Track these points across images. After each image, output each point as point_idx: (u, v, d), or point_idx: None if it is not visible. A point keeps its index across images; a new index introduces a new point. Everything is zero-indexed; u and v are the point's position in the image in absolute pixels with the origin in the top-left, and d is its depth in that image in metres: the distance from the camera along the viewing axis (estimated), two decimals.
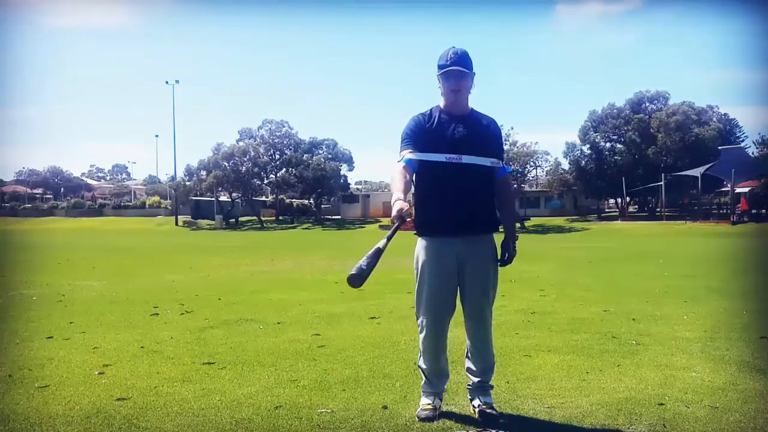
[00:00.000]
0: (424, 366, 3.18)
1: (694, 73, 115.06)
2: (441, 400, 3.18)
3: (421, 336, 3.15)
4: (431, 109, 3.15)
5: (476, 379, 3.13)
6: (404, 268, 11.83)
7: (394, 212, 2.78)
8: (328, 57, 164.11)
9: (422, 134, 3.06)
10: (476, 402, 3.08)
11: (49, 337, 5.08)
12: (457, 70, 3.02)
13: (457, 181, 3.01)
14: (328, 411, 3.14)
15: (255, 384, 3.65)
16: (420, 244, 3.17)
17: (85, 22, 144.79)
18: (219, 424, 2.99)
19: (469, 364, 3.18)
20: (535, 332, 5.14)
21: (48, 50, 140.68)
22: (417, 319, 3.18)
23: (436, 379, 3.17)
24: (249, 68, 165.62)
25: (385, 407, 3.20)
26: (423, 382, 3.21)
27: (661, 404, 3.21)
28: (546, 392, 3.44)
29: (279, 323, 5.71)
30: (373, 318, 5.95)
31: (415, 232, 3.16)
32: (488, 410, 3.02)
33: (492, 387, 3.18)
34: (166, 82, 55.82)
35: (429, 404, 3.10)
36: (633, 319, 5.73)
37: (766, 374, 3.78)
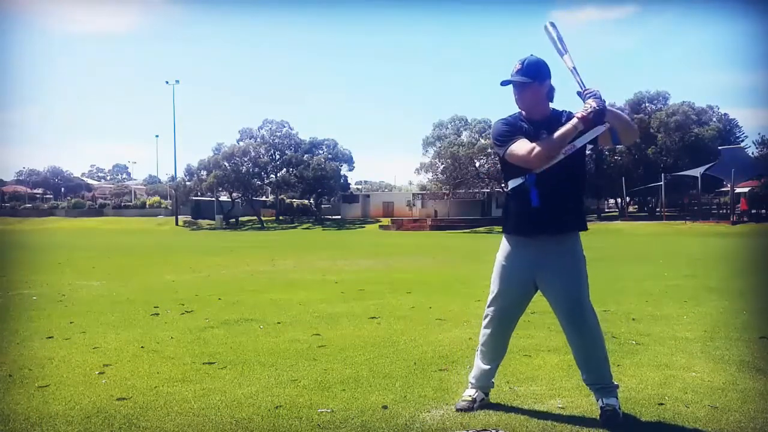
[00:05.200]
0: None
1: (694, 75, 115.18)
2: (486, 395, 3.24)
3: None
4: (513, 117, 3.12)
5: (596, 385, 3.05)
6: (404, 268, 11.84)
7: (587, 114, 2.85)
8: (328, 57, 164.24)
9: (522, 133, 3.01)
10: (600, 402, 3.02)
11: (49, 337, 5.08)
12: (515, 82, 3.04)
13: (551, 180, 2.98)
14: (328, 411, 3.15)
15: (255, 384, 3.65)
16: (501, 247, 3.19)
17: (86, 22, 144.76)
18: (219, 424, 2.99)
19: (583, 375, 3.12)
20: (535, 332, 5.14)
21: (48, 50, 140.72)
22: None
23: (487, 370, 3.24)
24: (249, 68, 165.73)
25: (385, 407, 3.20)
26: (471, 373, 3.28)
27: (661, 404, 3.21)
28: (546, 392, 3.44)
29: (279, 323, 5.71)
30: (373, 318, 5.95)
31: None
32: (609, 411, 2.96)
33: (617, 386, 3.10)
34: (166, 82, 55.89)
35: (470, 396, 3.19)
36: (633, 319, 5.73)
37: (766, 374, 3.78)
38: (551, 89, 3.09)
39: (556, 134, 2.90)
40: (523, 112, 3.11)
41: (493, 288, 3.19)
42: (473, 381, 3.26)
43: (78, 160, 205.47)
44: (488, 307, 3.22)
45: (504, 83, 3.07)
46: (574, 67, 3.04)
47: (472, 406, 3.13)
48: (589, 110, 2.85)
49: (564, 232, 3.05)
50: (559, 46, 3.11)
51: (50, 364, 4.17)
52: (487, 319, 3.22)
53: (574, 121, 2.88)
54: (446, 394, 3.43)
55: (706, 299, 7.10)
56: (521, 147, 2.95)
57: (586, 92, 2.94)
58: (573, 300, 3.05)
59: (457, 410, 3.12)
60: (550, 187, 2.97)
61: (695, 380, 3.66)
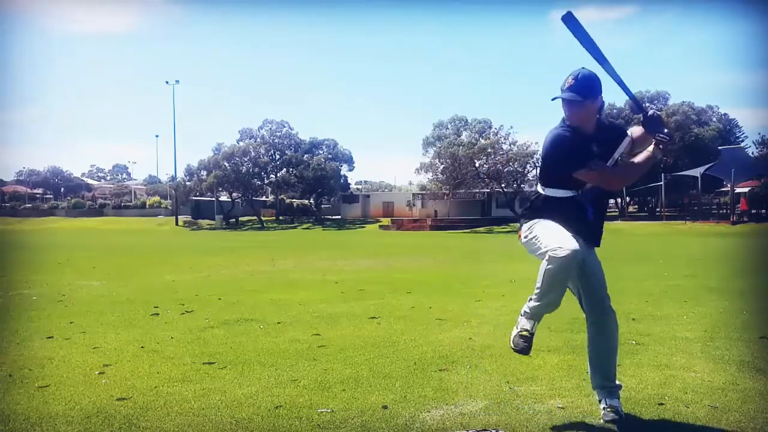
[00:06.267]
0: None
1: (694, 75, 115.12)
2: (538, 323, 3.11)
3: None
4: (570, 129, 2.99)
5: (602, 383, 3.06)
6: (404, 268, 11.84)
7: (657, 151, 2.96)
8: (328, 57, 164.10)
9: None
10: (603, 403, 3.03)
11: (50, 337, 5.09)
12: (565, 99, 2.96)
13: (600, 196, 3.06)
14: (328, 411, 3.15)
15: (255, 384, 3.65)
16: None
17: (86, 22, 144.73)
18: (219, 424, 2.99)
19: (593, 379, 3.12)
20: (535, 332, 5.14)
21: (48, 50, 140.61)
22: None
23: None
24: (249, 68, 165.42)
25: (385, 407, 3.20)
26: (532, 307, 3.04)
27: (661, 404, 3.21)
28: (546, 392, 3.45)
29: (279, 323, 5.72)
30: (373, 318, 5.95)
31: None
32: (611, 411, 2.96)
33: (620, 387, 3.10)
34: (166, 82, 55.82)
35: (527, 330, 3.04)
36: (633, 319, 5.73)
37: (766, 374, 3.78)
38: (602, 104, 3.02)
39: (636, 164, 2.98)
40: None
41: (558, 234, 2.93)
42: (531, 315, 3.06)
43: (78, 160, 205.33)
44: (558, 248, 2.86)
45: (555, 99, 2.98)
46: (622, 81, 2.97)
47: (531, 343, 3.02)
48: (667, 142, 2.93)
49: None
50: (598, 51, 2.99)
51: (50, 364, 4.17)
52: (562, 254, 2.84)
53: (653, 149, 2.95)
54: (446, 394, 3.43)
55: (706, 299, 7.10)
56: (602, 171, 2.95)
57: (650, 114, 2.98)
58: (601, 300, 3.08)
59: (517, 349, 3.00)
60: (599, 203, 3.07)
61: (695, 380, 3.66)
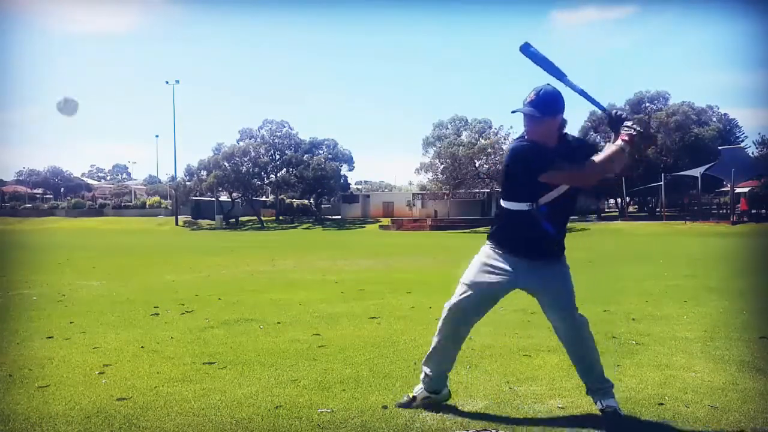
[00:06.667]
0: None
1: (694, 75, 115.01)
2: (437, 395, 3.27)
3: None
4: (531, 140, 2.98)
5: (593, 386, 3.08)
6: (404, 268, 11.84)
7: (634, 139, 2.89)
8: (328, 57, 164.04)
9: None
10: (599, 404, 3.04)
11: (50, 337, 5.09)
12: (525, 114, 2.95)
13: (558, 208, 3.02)
14: (328, 411, 3.15)
15: (255, 384, 3.65)
16: (487, 253, 3.16)
17: (86, 22, 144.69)
18: (219, 424, 2.99)
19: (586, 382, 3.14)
20: (535, 332, 5.14)
21: (48, 50, 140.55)
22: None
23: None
24: (249, 68, 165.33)
25: (385, 407, 3.20)
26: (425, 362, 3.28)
27: (661, 404, 3.21)
28: (546, 392, 3.45)
29: (279, 323, 5.72)
30: (373, 318, 5.95)
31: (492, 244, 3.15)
32: (609, 412, 2.98)
33: (612, 385, 3.10)
34: (166, 82, 55.78)
35: (413, 394, 3.26)
36: (633, 319, 5.74)
37: (766, 374, 3.78)
38: (563, 121, 3.02)
39: (603, 158, 2.90)
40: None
41: (468, 288, 3.14)
42: (425, 379, 3.25)
43: (78, 160, 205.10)
44: (457, 305, 3.16)
45: (514, 112, 2.98)
46: (584, 92, 3.01)
47: (410, 404, 3.19)
48: (633, 133, 2.89)
49: (563, 253, 3.15)
50: (555, 69, 3.05)
51: (50, 364, 4.17)
52: (454, 320, 3.17)
53: (620, 143, 2.90)
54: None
55: (706, 299, 7.10)
56: (570, 170, 2.91)
57: (613, 113, 3.00)
58: (570, 312, 3.11)
59: (396, 406, 3.20)
60: (558, 215, 3.02)
61: (695, 380, 3.66)
